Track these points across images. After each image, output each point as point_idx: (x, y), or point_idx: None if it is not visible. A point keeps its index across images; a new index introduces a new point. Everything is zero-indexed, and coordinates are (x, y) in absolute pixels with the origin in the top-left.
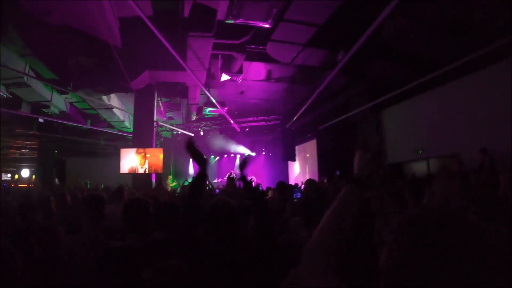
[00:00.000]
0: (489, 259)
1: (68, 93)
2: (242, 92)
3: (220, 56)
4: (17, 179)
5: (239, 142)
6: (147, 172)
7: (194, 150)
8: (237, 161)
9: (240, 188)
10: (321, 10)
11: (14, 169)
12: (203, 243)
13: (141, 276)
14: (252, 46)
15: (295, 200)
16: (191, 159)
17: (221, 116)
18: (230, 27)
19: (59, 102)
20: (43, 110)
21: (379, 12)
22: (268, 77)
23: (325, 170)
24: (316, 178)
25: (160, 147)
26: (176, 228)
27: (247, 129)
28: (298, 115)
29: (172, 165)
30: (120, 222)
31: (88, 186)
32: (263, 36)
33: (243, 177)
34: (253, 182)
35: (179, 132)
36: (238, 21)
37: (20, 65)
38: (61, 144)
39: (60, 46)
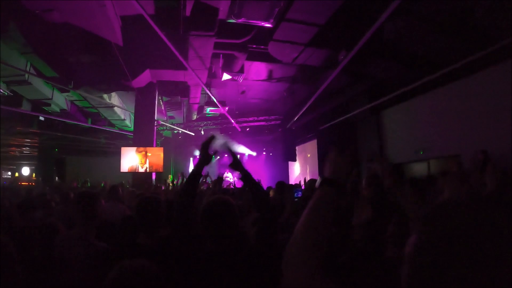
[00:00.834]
0: None
1: (69, 91)
2: (243, 92)
3: (221, 55)
4: (17, 177)
5: (240, 142)
6: (148, 171)
7: (206, 148)
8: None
9: (232, 189)
10: (322, 10)
11: (14, 167)
12: (200, 241)
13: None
14: (254, 46)
15: (296, 199)
16: (191, 159)
17: (222, 116)
18: (232, 27)
19: (60, 100)
20: (44, 108)
21: (381, 12)
22: (269, 77)
23: None
24: (317, 178)
25: (161, 146)
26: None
27: (247, 129)
28: (298, 115)
29: (172, 165)
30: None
31: (88, 185)
32: (265, 35)
33: (245, 177)
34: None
35: (180, 132)
36: (239, 21)
37: (21, 62)
38: (62, 142)
39: (61, 44)
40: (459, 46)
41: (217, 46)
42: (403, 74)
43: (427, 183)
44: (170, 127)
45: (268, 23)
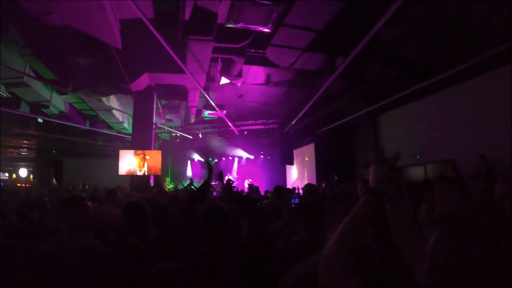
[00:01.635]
0: None
1: (67, 94)
2: (241, 96)
3: (220, 59)
4: (14, 178)
5: (238, 145)
6: (146, 174)
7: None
8: (235, 165)
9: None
10: (320, 15)
11: (12, 168)
12: (197, 246)
13: (141, 277)
14: (252, 50)
15: (293, 205)
16: (189, 162)
17: (220, 119)
18: (230, 31)
19: (59, 102)
20: (42, 110)
21: (378, 18)
22: (267, 81)
23: (323, 174)
24: (314, 181)
25: (159, 149)
26: (170, 229)
27: (245, 132)
28: (296, 119)
29: (170, 168)
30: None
31: (87, 188)
32: (263, 40)
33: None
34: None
35: (178, 135)
36: (238, 25)
37: (20, 65)
38: (59, 144)
39: (61, 47)
40: (455, 51)
41: (215, 50)
42: (400, 79)
43: (424, 188)
44: (168, 130)
45: (266, 28)
